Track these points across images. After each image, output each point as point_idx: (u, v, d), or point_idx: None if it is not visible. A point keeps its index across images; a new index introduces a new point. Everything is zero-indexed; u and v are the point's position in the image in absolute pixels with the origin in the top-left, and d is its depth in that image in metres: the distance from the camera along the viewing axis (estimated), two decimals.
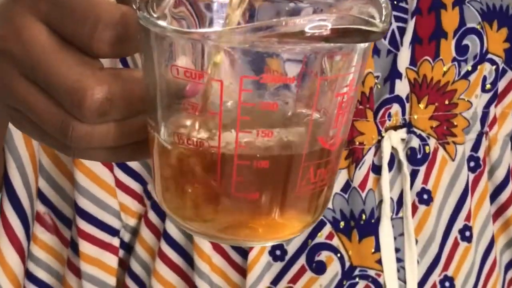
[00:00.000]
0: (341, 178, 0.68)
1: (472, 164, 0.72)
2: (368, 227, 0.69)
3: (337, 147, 0.42)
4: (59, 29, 0.42)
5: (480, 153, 0.73)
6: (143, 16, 0.39)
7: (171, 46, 0.39)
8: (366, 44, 0.40)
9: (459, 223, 0.72)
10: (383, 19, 0.38)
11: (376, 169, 0.69)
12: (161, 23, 0.38)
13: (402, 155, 0.69)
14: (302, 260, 0.69)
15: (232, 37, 0.37)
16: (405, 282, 0.70)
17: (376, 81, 0.67)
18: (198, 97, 0.39)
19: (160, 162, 0.42)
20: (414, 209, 0.70)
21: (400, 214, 0.70)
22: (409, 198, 0.69)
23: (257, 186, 0.40)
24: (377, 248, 0.69)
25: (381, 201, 0.69)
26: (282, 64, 0.39)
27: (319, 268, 0.69)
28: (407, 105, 0.69)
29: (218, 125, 0.39)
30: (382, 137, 0.68)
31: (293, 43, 0.37)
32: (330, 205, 0.68)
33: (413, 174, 0.70)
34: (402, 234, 0.70)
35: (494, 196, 0.75)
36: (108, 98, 0.41)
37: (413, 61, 0.67)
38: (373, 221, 0.69)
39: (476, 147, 0.72)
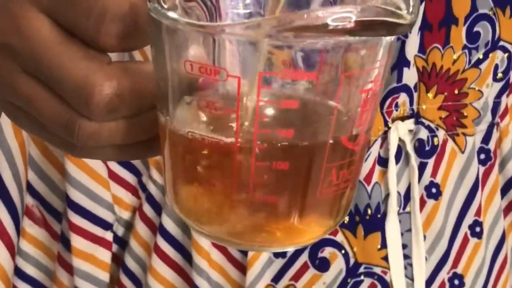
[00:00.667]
0: None
1: (482, 156, 0.71)
2: (374, 222, 0.67)
3: (361, 147, 0.40)
4: (63, 21, 0.39)
5: (491, 145, 0.71)
6: (153, 7, 0.37)
7: (183, 39, 0.37)
8: (392, 37, 0.38)
9: (469, 219, 0.70)
10: (410, 10, 0.36)
11: (383, 161, 0.67)
12: (173, 15, 0.36)
13: (409, 147, 0.67)
14: (304, 257, 0.68)
15: (249, 31, 0.35)
16: (412, 279, 0.69)
17: None
18: (213, 94, 0.37)
19: (172, 161, 0.40)
20: (422, 203, 0.69)
21: (407, 209, 0.68)
22: (417, 192, 0.68)
23: (276, 188, 0.38)
24: (383, 244, 0.67)
25: (387, 195, 0.67)
26: (303, 59, 0.37)
27: (323, 265, 0.68)
28: (415, 95, 0.67)
29: (235, 124, 0.37)
30: (389, 128, 0.67)
31: (315, 37, 0.35)
32: None
33: (421, 167, 0.68)
34: (409, 230, 0.68)
35: (505, 190, 0.74)
36: (117, 94, 0.39)
37: (422, 49, 0.65)
38: (379, 216, 0.67)
39: (486, 138, 0.71)
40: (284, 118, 0.38)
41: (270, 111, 0.37)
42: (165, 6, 0.37)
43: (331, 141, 0.38)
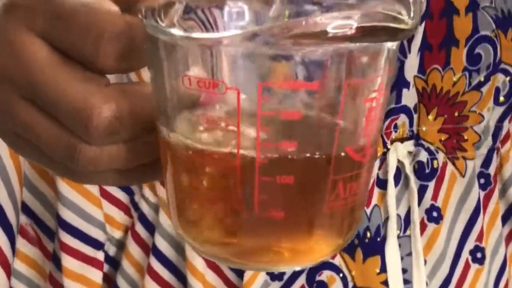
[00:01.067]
0: None
1: (482, 181, 0.70)
2: (373, 245, 0.66)
3: (368, 158, 0.39)
4: (59, 44, 0.39)
5: (491, 170, 0.70)
6: (150, 24, 0.36)
7: (181, 54, 0.36)
8: (395, 44, 0.37)
9: (470, 244, 0.69)
10: (411, 15, 0.35)
11: (382, 183, 0.66)
12: (169, 30, 0.36)
13: (409, 169, 0.66)
14: (302, 280, 0.66)
15: (247, 41, 0.34)
16: None
17: None
18: (213, 108, 0.37)
19: (174, 181, 0.39)
20: (423, 227, 0.68)
21: (407, 232, 0.67)
22: (417, 215, 0.67)
23: (282, 204, 0.37)
24: (383, 269, 0.66)
25: (387, 218, 0.66)
26: (304, 68, 0.36)
27: None
28: (415, 116, 0.66)
29: (236, 138, 0.36)
30: (388, 149, 0.66)
31: (315, 45, 0.34)
32: None
33: (421, 190, 0.67)
34: (410, 254, 0.67)
35: (507, 216, 0.72)
36: (117, 117, 0.38)
37: (422, 69, 0.65)
38: (378, 239, 0.66)
39: (486, 163, 0.70)
40: (286, 130, 0.37)
41: (272, 123, 0.36)
42: (162, 24, 0.36)
43: (336, 153, 0.37)
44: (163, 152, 0.39)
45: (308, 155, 0.37)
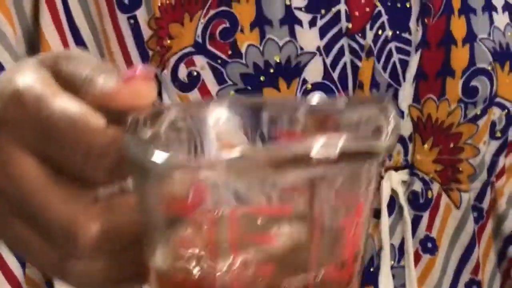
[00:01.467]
0: None
1: (475, 214, 0.69)
2: (366, 276, 0.65)
3: (351, 274, 0.37)
4: (49, 159, 0.39)
5: (484, 204, 0.69)
6: (130, 145, 0.35)
7: (162, 178, 0.35)
8: (373, 163, 0.36)
9: (465, 276, 0.68)
10: (389, 134, 0.35)
11: (375, 212, 0.65)
12: (150, 155, 0.34)
13: (403, 199, 0.65)
14: None
15: (228, 167, 0.33)
16: None
17: None
18: (189, 231, 0.36)
19: None
20: (417, 258, 0.66)
21: (402, 263, 0.66)
22: (411, 245, 0.65)
23: None
24: None
25: (381, 248, 0.65)
26: (281, 192, 0.35)
27: None
28: (410, 146, 0.65)
29: (213, 262, 0.35)
30: (382, 177, 0.64)
31: (296, 169, 0.34)
32: None
33: (416, 220, 0.66)
34: (403, 285, 0.66)
35: (504, 249, 0.71)
36: (103, 233, 0.39)
37: (417, 98, 0.64)
38: (372, 269, 0.65)
39: (480, 197, 0.69)
40: (262, 254, 0.36)
41: (246, 247, 0.35)
42: (148, 134, 0.36)
43: (315, 274, 0.36)
44: (147, 265, 0.38)
45: (285, 278, 0.35)
